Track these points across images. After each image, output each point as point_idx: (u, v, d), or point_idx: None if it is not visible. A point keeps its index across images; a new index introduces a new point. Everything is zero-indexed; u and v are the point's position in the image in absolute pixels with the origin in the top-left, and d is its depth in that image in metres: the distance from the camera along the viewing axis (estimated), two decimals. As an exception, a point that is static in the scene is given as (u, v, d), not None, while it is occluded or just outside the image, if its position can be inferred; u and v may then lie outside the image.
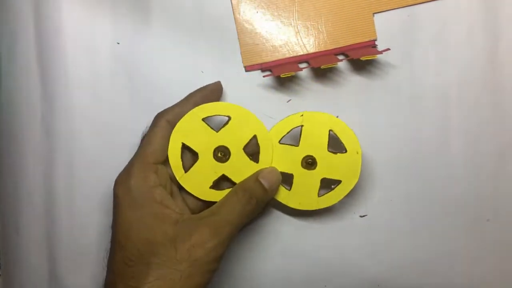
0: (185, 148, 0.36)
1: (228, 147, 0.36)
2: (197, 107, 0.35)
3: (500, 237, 0.38)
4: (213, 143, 0.35)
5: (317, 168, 0.36)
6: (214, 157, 0.36)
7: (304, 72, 0.38)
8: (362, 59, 0.35)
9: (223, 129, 0.36)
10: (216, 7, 0.39)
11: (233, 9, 0.38)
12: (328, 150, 0.36)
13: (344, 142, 0.36)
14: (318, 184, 0.36)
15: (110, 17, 0.39)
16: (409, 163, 0.38)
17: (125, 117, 0.39)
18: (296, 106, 0.39)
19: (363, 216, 0.39)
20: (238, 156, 0.36)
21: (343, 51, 0.38)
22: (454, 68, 0.38)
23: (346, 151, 0.36)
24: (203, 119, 0.35)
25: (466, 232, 0.38)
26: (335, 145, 0.36)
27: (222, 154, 0.36)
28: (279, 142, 0.36)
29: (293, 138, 0.36)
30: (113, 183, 0.35)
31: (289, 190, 0.36)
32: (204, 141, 0.35)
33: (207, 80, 0.39)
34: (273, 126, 0.36)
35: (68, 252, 0.39)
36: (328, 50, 0.38)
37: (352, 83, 0.39)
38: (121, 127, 0.39)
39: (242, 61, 0.39)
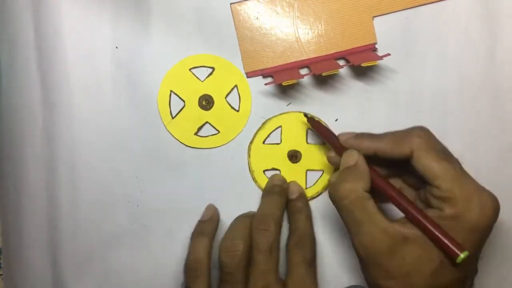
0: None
1: (212, 95, 0.39)
2: (185, 58, 0.38)
3: (501, 238, 0.38)
4: (198, 92, 0.39)
5: (301, 161, 0.39)
6: (199, 105, 0.39)
7: (305, 77, 0.39)
8: (363, 65, 0.35)
9: (207, 79, 0.39)
10: (216, 13, 0.38)
11: (233, 16, 0.38)
12: (307, 143, 0.39)
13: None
14: (304, 175, 0.39)
15: (110, 22, 0.39)
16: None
17: (126, 122, 0.39)
18: (295, 109, 0.39)
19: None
20: (221, 105, 0.39)
21: (343, 55, 0.38)
22: (453, 70, 0.38)
23: (324, 143, 0.39)
24: (190, 69, 0.38)
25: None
26: (316, 138, 0.39)
27: (206, 102, 0.39)
28: (263, 143, 0.39)
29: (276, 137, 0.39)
30: (115, 188, 0.37)
31: None
32: (190, 90, 0.39)
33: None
34: (256, 132, 0.39)
35: (71, 258, 0.40)
36: (328, 54, 0.38)
37: (351, 88, 0.39)
38: (122, 132, 0.39)
39: (243, 67, 0.39)
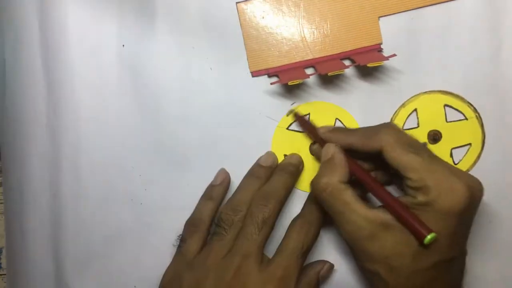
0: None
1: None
2: (279, 121, 0.39)
3: (502, 239, 0.38)
4: (306, 144, 0.39)
5: (442, 140, 0.39)
6: (311, 153, 0.39)
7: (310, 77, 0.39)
8: (369, 65, 0.35)
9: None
10: (222, 11, 0.38)
11: (238, 15, 0.38)
12: (447, 121, 0.39)
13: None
14: (449, 154, 0.39)
15: (115, 20, 0.39)
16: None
17: (130, 120, 0.39)
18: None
19: None
20: None
21: (349, 55, 0.38)
22: (458, 71, 0.38)
23: None
24: (287, 128, 0.39)
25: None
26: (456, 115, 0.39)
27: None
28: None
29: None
30: (119, 186, 0.38)
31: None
32: (299, 146, 0.39)
33: (213, 83, 0.39)
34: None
35: (75, 256, 0.40)
36: (334, 54, 0.38)
37: (356, 88, 0.39)
38: (126, 130, 0.39)
39: (249, 66, 0.39)
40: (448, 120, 0.38)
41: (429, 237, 0.30)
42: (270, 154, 0.39)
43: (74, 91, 0.39)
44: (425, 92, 0.38)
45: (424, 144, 0.34)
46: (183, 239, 0.37)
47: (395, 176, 0.34)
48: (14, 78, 0.40)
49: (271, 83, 0.38)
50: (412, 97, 0.38)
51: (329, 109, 0.39)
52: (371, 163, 0.36)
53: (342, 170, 0.34)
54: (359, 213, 0.32)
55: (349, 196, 0.32)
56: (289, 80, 0.36)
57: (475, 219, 0.38)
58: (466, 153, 0.38)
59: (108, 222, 0.40)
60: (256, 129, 0.39)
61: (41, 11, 0.39)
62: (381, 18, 0.38)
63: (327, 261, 0.38)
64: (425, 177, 0.31)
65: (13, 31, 0.40)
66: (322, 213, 0.36)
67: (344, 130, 0.37)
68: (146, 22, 0.39)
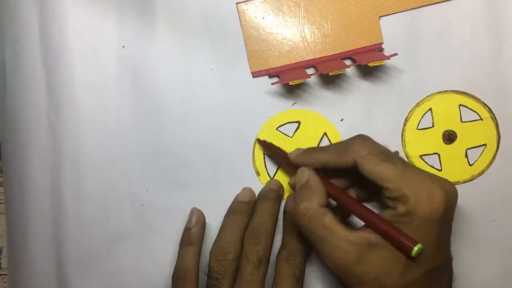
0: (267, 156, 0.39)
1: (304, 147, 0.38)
2: (271, 118, 0.39)
3: (506, 237, 0.38)
4: (290, 147, 0.38)
5: (457, 140, 0.38)
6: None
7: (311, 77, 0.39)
8: (370, 65, 0.35)
9: (296, 133, 0.39)
10: (222, 12, 0.39)
11: (239, 16, 0.38)
12: (462, 121, 0.39)
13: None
14: (464, 155, 0.39)
15: (115, 21, 0.39)
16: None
17: (131, 121, 0.39)
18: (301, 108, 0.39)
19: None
20: None
21: (349, 55, 0.38)
22: (459, 70, 0.38)
23: None
24: (277, 128, 0.39)
25: (472, 233, 0.39)
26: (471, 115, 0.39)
27: None
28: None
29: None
30: (120, 188, 0.37)
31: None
32: (285, 148, 0.38)
33: (214, 84, 0.39)
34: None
35: (76, 257, 0.40)
36: (334, 54, 0.38)
37: (357, 88, 0.39)
38: (127, 131, 0.39)
39: (249, 67, 0.39)
40: (463, 120, 0.38)
41: (416, 248, 0.29)
42: (247, 189, 0.39)
43: (75, 91, 0.39)
44: (440, 92, 0.38)
45: (397, 153, 0.33)
46: None
47: (374, 191, 0.34)
48: (14, 78, 0.40)
49: (272, 84, 0.38)
50: (427, 96, 0.38)
51: (320, 122, 0.39)
52: (347, 179, 0.36)
53: (320, 193, 0.33)
54: (342, 236, 0.31)
55: (329, 220, 0.31)
56: (290, 80, 0.36)
57: (477, 219, 0.38)
58: (481, 153, 0.38)
59: (109, 223, 0.40)
60: (257, 130, 0.39)
61: (41, 11, 0.39)
62: (381, 18, 0.38)
63: None
64: (401, 185, 0.30)
65: (13, 31, 0.40)
66: (304, 237, 0.35)
67: (316, 149, 0.36)
68: (147, 23, 0.39)
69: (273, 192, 0.38)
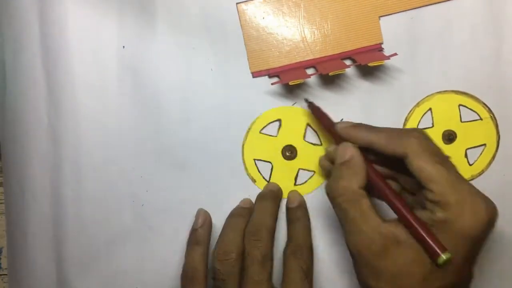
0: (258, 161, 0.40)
1: (291, 144, 0.39)
2: (251, 124, 0.39)
3: (506, 238, 0.39)
4: (278, 147, 0.39)
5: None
6: (285, 158, 0.39)
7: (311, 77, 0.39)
8: (370, 65, 0.35)
9: (279, 131, 0.39)
10: (222, 12, 0.38)
11: (239, 16, 0.38)
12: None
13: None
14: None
15: (115, 21, 0.39)
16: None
17: (131, 121, 0.39)
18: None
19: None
20: (303, 147, 0.39)
21: (349, 55, 0.38)
22: (459, 70, 0.38)
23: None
24: (260, 131, 0.39)
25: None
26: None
27: (289, 152, 0.39)
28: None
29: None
30: (120, 188, 0.37)
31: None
32: (270, 149, 0.39)
33: (214, 84, 0.39)
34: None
35: (76, 257, 0.40)
36: (334, 54, 0.38)
37: (357, 88, 0.39)
38: (127, 131, 0.39)
39: (249, 67, 0.39)
40: (463, 120, 0.38)
41: (445, 257, 0.28)
42: (247, 199, 0.39)
43: (75, 91, 0.39)
44: (439, 92, 0.38)
45: (449, 157, 0.31)
46: None
47: (410, 188, 0.33)
48: (14, 78, 0.40)
49: (272, 84, 0.38)
50: (427, 96, 0.38)
51: (299, 114, 0.39)
52: (386, 168, 0.34)
53: (362, 175, 0.31)
54: (373, 224, 0.30)
55: (366, 204, 0.30)
56: (290, 80, 0.36)
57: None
58: (481, 153, 0.38)
59: (109, 224, 0.40)
60: (257, 130, 0.39)
61: (41, 11, 0.39)
62: (381, 18, 0.38)
63: None
64: (448, 192, 0.29)
65: (13, 31, 0.40)
66: (309, 231, 0.36)
67: (367, 127, 0.33)
68: (147, 23, 0.39)
69: (271, 193, 0.38)
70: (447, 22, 0.38)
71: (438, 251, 0.28)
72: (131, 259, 0.40)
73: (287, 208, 0.39)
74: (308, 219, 0.38)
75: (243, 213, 0.38)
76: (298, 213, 0.38)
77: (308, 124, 0.39)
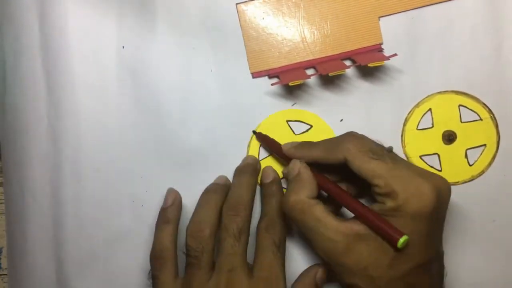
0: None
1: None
2: (286, 110, 0.39)
3: (506, 238, 0.38)
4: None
5: (457, 141, 0.39)
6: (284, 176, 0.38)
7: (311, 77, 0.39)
8: (370, 65, 0.35)
9: (302, 134, 0.39)
10: (222, 13, 0.38)
11: (239, 16, 0.38)
12: (462, 122, 0.39)
13: None
14: (464, 155, 0.39)
15: (115, 21, 0.39)
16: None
17: (131, 121, 0.39)
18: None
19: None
20: None
21: (349, 56, 0.38)
22: (459, 70, 0.38)
23: None
24: (287, 121, 0.39)
25: (472, 233, 0.39)
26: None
27: None
28: (417, 128, 0.39)
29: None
30: (120, 188, 0.37)
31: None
32: (282, 140, 0.38)
33: (214, 84, 0.39)
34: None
35: (76, 257, 0.40)
36: (334, 54, 0.38)
37: (357, 88, 0.39)
38: (127, 132, 0.39)
39: (249, 68, 0.39)
40: (462, 120, 0.38)
41: (401, 240, 0.29)
42: (222, 176, 0.39)
43: (74, 92, 0.39)
44: (439, 92, 0.38)
45: (390, 148, 0.33)
46: (154, 276, 0.36)
47: (364, 187, 0.34)
48: (14, 79, 0.40)
49: (272, 84, 0.38)
50: (426, 97, 0.38)
51: (329, 133, 0.39)
52: (339, 174, 0.36)
53: (310, 186, 0.33)
54: (331, 227, 0.31)
55: (319, 211, 0.32)
56: (290, 81, 0.36)
57: (477, 219, 0.38)
58: (481, 154, 0.38)
59: (109, 224, 0.40)
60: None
61: (41, 11, 0.39)
62: (381, 18, 0.38)
63: (320, 265, 0.37)
64: (391, 182, 0.31)
65: (13, 32, 0.40)
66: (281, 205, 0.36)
67: (307, 144, 0.36)
68: (147, 23, 0.39)
69: (249, 167, 0.38)
70: (447, 22, 0.38)
71: (396, 236, 0.30)
72: (131, 259, 0.40)
73: (262, 183, 0.39)
74: (282, 194, 0.38)
75: (218, 190, 0.38)
76: (272, 188, 0.38)
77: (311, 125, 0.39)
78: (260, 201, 0.39)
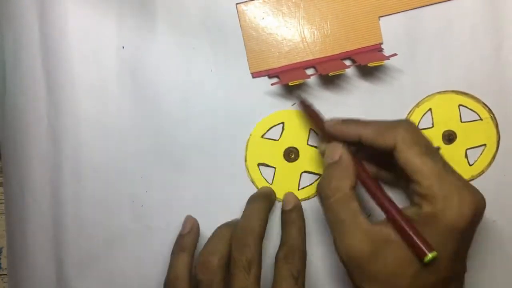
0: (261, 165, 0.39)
1: (294, 146, 0.39)
2: (254, 129, 0.39)
3: (507, 238, 0.39)
4: (280, 150, 0.39)
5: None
6: (287, 161, 0.39)
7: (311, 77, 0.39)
8: (370, 65, 0.35)
9: (282, 135, 0.39)
10: (222, 12, 0.38)
11: (238, 16, 0.38)
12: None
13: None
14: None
15: (115, 21, 0.39)
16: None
17: (131, 121, 0.39)
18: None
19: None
20: (306, 151, 0.39)
21: (349, 55, 0.38)
22: (459, 70, 0.38)
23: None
24: (262, 136, 0.39)
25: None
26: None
27: (292, 154, 0.39)
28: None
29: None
30: (120, 188, 0.37)
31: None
32: (273, 153, 0.39)
33: (214, 84, 0.39)
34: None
35: (76, 258, 0.40)
36: (334, 54, 0.38)
37: (357, 88, 0.39)
38: (127, 132, 0.39)
39: (249, 67, 0.39)
40: (463, 120, 0.38)
41: (430, 256, 0.28)
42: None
43: (74, 92, 0.39)
44: (439, 92, 0.38)
45: (438, 149, 0.31)
46: None
47: (402, 180, 0.32)
48: (14, 79, 0.40)
49: (272, 84, 0.38)
50: (426, 96, 0.38)
51: (303, 118, 0.39)
52: (377, 160, 0.35)
53: (351, 175, 0.31)
54: (363, 227, 0.30)
55: (356, 206, 0.30)
56: (290, 81, 0.36)
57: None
58: (481, 154, 0.38)
59: (109, 224, 0.40)
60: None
61: (41, 11, 0.39)
62: (381, 18, 0.38)
63: None
64: (434, 184, 0.29)
65: (13, 32, 0.40)
66: (303, 234, 0.35)
67: (356, 121, 0.33)
68: (146, 23, 0.39)
69: (261, 195, 0.38)
70: (447, 22, 0.38)
71: (425, 250, 0.28)
72: (131, 260, 0.40)
73: (282, 211, 0.38)
74: (303, 222, 0.37)
75: (231, 223, 0.37)
76: (292, 215, 0.37)
77: (311, 129, 0.39)
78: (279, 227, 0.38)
